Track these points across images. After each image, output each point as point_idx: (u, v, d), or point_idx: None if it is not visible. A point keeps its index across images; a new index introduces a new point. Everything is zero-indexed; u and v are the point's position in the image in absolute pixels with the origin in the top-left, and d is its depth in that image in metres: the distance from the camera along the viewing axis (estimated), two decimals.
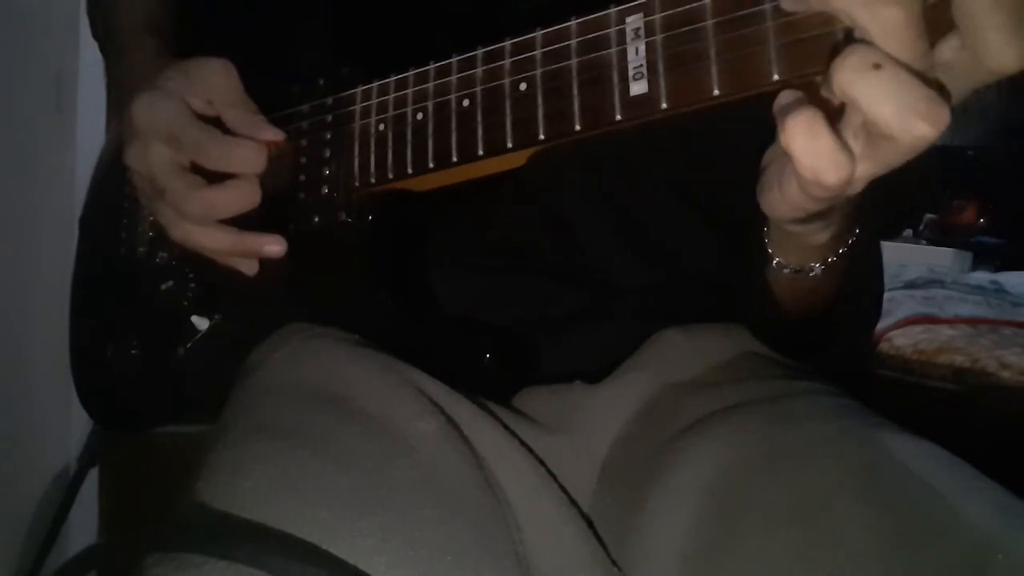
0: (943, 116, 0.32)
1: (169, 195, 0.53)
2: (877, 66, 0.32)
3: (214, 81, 0.54)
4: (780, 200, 0.40)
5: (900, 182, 0.38)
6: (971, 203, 2.22)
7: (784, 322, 0.54)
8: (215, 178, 0.53)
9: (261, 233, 0.55)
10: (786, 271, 0.48)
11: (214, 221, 0.53)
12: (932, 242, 2.16)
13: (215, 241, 0.54)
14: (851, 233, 0.47)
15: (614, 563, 0.52)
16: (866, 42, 0.32)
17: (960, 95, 0.34)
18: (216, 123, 0.53)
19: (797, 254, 0.48)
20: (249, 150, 0.52)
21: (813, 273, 0.48)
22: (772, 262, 0.48)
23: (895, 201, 0.47)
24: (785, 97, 0.35)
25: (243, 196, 0.53)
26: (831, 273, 0.48)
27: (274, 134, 0.53)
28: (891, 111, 0.32)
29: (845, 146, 0.34)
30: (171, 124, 0.52)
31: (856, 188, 0.37)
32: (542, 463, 0.54)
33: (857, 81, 0.32)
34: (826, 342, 0.57)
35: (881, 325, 1.38)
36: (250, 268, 0.56)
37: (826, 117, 0.34)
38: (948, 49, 0.33)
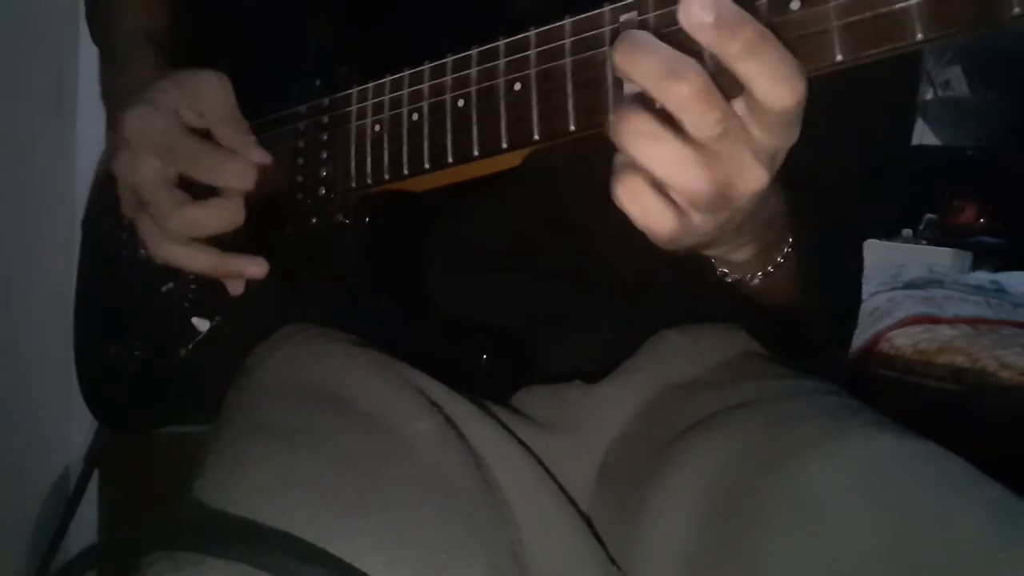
0: (700, 172, 0.37)
1: (152, 209, 0.53)
2: (650, 134, 0.37)
3: (208, 94, 0.54)
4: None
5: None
6: (971, 203, 2.21)
7: (761, 321, 0.56)
8: (200, 197, 0.53)
9: (242, 255, 0.55)
10: (728, 280, 0.50)
11: (195, 240, 0.54)
12: (932, 242, 2.15)
13: (195, 261, 0.55)
14: (779, 249, 0.49)
15: (613, 562, 0.52)
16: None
17: (781, 131, 0.37)
18: (206, 137, 0.54)
19: (729, 267, 0.49)
20: (240, 165, 0.53)
21: (754, 282, 0.49)
22: (717, 271, 0.50)
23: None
24: (619, 158, 0.39)
25: (226, 215, 0.53)
26: (777, 280, 0.50)
27: (261, 156, 0.54)
28: (663, 169, 0.37)
29: (670, 204, 0.38)
30: (164, 136, 0.52)
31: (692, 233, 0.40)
32: (541, 462, 0.54)
33: (632, 146, 0.37)
34: (805, 346, 0.59)
35: (881, 325, 1.37)
36: (235, 288, 0.57)
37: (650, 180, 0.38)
38: (739, 104, 0.37)
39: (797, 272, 0.51)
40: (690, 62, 0.36)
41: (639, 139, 0.37)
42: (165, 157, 0.52)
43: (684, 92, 0.35)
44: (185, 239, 0.54)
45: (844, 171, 0.54)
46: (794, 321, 0.55)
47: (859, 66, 0.36)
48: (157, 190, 0.53)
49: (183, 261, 0.55)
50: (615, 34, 0.40)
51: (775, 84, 0.35)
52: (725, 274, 0.49)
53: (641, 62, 0.36)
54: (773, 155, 0.39)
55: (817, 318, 0.57)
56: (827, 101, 0.38)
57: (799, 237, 0.49)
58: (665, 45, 0.36)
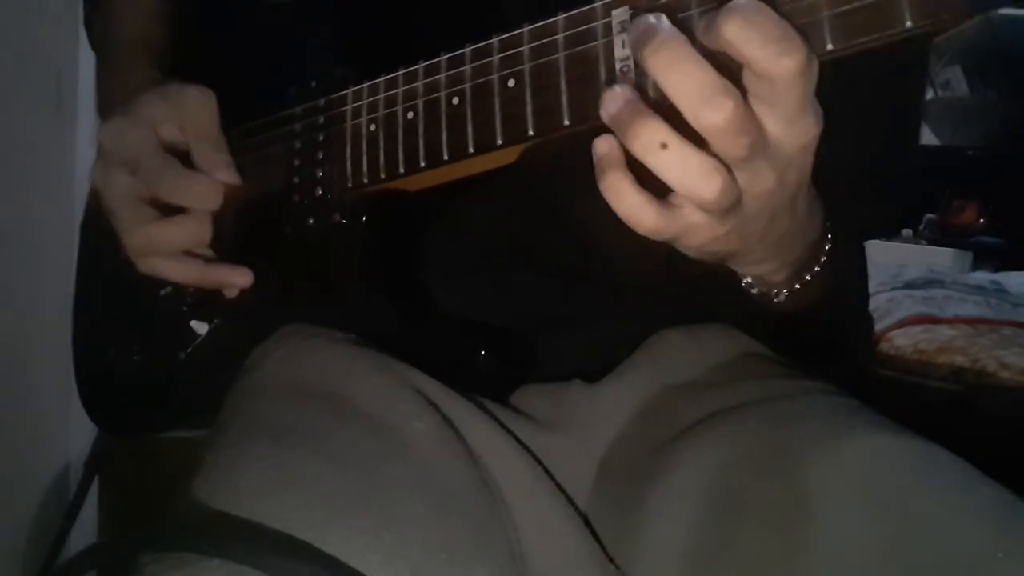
0: (716, 182, 0.36)
1: (116, 223, 0.54)
2: (664, 145, 0.36)
3: (190, 108, 0.54)
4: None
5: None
6: (971, 203, 2.21)
7: (775, 328, 0.55)
8: (173, 212, 0.53)
9: (226, 265, 0.55)
10: (754, 291, 0.49)
11: (176, 253, 0.54)
12: (932, 242, 2.15)
13: (179, 272, 0.55)
14: (809, 270, 0.48)
15: (611, 561, 0.52)
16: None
17: (792, 111, 0.36)
18: (186, 152, 0.54)
19: (756, 281, 0.49)
20: (204, 186, 0.53)
21: (779, 299, 0.49)
22: (742, 282, 0.50)
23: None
24: (601, 147, 0.39)
25: (188, 233, 0.53)
26: (800, 296, 0.49)
27: (228, 176, 0.54)
28: (677, 180, 0.37)
29: (649, 199, 0.38)
30: (134, 151, 0.53)
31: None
32: (539, 462, 0.54)
33: (647, 157, 0.37)
34: (819, 349, 0.58)
35: (881, 325, 1.37)
36: (231, 291, 0.57)
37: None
38: (745, 80, 0.36)
39: (824, 287, 0.50)
40: (730, 89, 0.35)
41: (652, 149, 0.36)
42: (133, 172, 0.53)
43: (718, 122, 0.35)
44: (146, 253, 0.54)
45: (850, 173, 0.53)
46: (811, 328, 0.54)
47: (863, 69, 0.36)
48: (123, 206, 0.53)
49: (166, 272, 0.55)
50: (607, 29, 0.40)
51: (777, 54, 0.34)
52: (751, 285, 0.49)
53: (679, 81, 0.35)
54: (785, 157, 0.38)
55: (838, 328, 0.56)
56: (833, 102, 0.38)
57: (832, 254, 0.49)
58: (707, 66, 0.35)
